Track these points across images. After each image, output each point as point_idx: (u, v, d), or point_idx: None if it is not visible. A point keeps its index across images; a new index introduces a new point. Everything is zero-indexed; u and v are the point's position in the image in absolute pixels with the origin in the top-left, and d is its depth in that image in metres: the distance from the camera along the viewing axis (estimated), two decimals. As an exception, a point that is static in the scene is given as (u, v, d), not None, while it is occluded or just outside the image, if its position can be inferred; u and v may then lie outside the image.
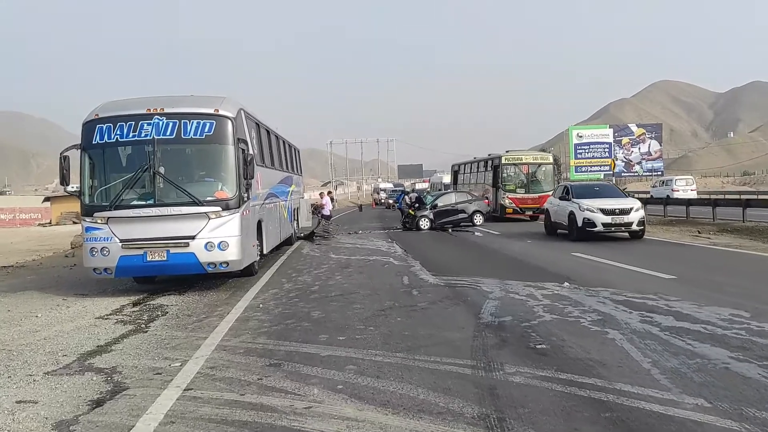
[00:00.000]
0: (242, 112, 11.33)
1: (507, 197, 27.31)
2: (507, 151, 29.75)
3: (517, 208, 27.09)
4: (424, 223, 23.69)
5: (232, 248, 10.19)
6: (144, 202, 10.12)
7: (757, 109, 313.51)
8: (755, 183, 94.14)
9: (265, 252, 12.88)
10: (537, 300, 8.40)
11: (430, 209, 24.03)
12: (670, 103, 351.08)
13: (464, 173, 36.68)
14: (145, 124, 10.17)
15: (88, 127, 10.32)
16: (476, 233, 21.34)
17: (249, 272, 11.56)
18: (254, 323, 7.70)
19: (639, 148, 65.59)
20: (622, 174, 66.09)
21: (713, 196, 35.73)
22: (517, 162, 28.27)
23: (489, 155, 31.69)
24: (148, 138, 10.12)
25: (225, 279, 11.50)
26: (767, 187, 76.32)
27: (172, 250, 9.99)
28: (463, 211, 24.32)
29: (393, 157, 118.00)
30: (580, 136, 64.11)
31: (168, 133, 10.16)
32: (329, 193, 27.48)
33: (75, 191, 10.63)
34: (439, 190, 37.28)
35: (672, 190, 38.97)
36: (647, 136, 67.13)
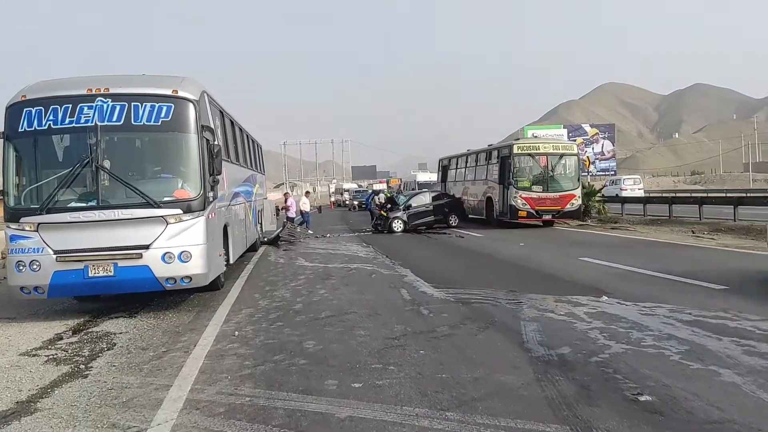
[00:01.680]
0: (206, 95, 9.42)
1: (520, 196, 20.85)
2: (517, 139, 24.74)
3: (532, 211, 20.85)
4: (398, 225, 22.01)
5: (196, 259, 8.29)
6: (84, 204, 8.13)
7: (700, 111, 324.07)
8: (706, 182, 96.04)
9: (231, 261, 10.97)
10: (583, 320, 6.81)
11: (404, 210, 22.36)
12: (616, 105, 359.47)
13: (457, 168, 29.28)
14: (86, 108, 8.20)
15: (14, 110, 8.26)
16: (456, 236, 19.77)
17: (214, 286, 9.65)
18: (232, 361, 5.86)
19: (593, 148, 65.68)
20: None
21: (675, 194, 36.09)
22: (533, 152, 21.72)
23: (489, 145, 25.89)
24: (89, 124, 8.15)
25: (186, 294, 9.58)
26: (718, 186, 77.73)
27: (121, 263, 8.04)
28: (438, 212, 22.74)
29: (348, 158, 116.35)
30: (536, 137, 63.74)
31: (114, 119, 8.21)
32: (307, 193, 25.64)
33: (-5, 191, 8.55)
34: (413, 189, 34.38)
35: (621, 189, 39.99)
36: (600, 136, 67.73)
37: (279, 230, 20.34)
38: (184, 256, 8.18)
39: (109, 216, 8.02)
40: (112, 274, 8.03)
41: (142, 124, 8.27)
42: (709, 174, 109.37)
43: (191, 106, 8.52)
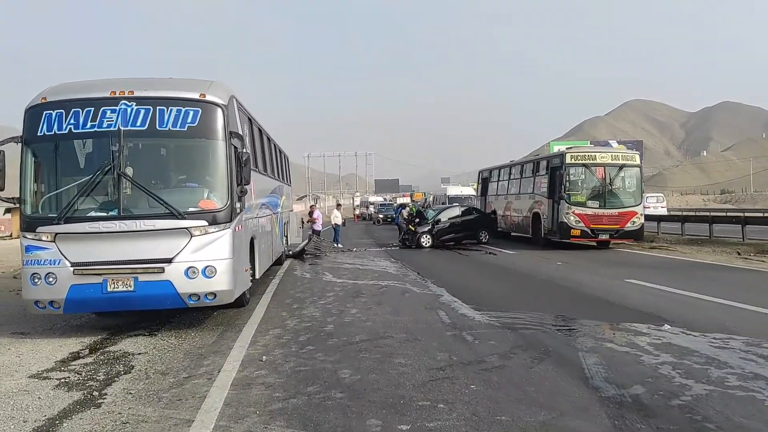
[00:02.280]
0: (234, 100, 8.91)
1: (573, 213, 18.48)
2: (569, 148, 21.79)
3: (586, 229, 18.41)
4: (426, 240, 21.36)
5: (222, 275, 7.73)
6: (105, 214, 7.62)
7: (728, 129, 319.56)
8: (736, 201, 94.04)
9: (257, 277, 10.42)
10: (649, 353, 6.09)
11: (432, 225, 21.69)
12: (642, 122, 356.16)
13: (499, 181, 26.31)
14: (109, 112, 7.72)
15: (33, 113, 7.80)
16: (487, 252, 19.06)
17: (239, 303, 9.06)
18: (260, 391, 5.25)
19: (619, 165, 64.39)
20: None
21: (712, 213, 35.19)
22: (588, 162, 19.09)
23: (536, 155, 24.43)
24: (111, 129, 7.67)
25: (209, 311, 9.02)
26: (749, 205, 75.85)
27: (142, 278, 7.50)
28: (468, 228, 22.06)
29: (371, 171, 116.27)
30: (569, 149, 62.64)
31: (138, 124, 7.71)
32: (338, 206, 25.16)
33: (11, 199, 8.04)
34: (443, 204, 33.32)
35: (644, 207, 39.62)
36: (628, 153, 66.41)
37: (304, 243, 19.80)
38: (208, 272, 7.62)
39: (130, 227, 7.50)
40: (132, 289, 7.50)
41: (167, 129, 7.77)
42: (739, 193, 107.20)
43: (219, 111, 8.01)
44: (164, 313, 8.69)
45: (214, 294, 7.74)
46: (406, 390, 5.14)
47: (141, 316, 8.75)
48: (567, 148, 20.65)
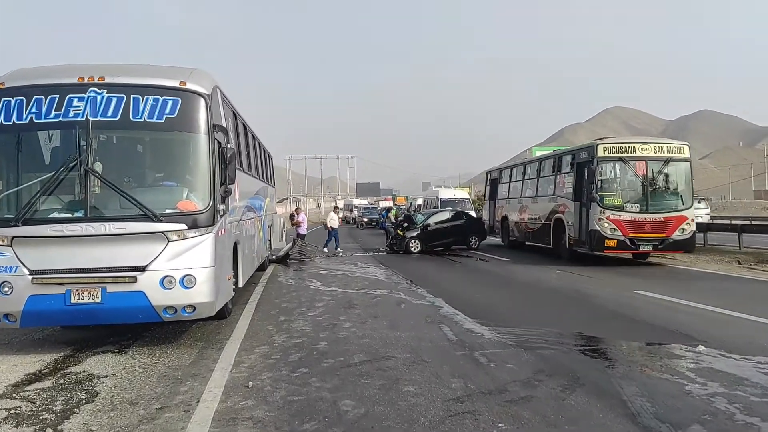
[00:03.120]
0: (218, 90, 8.03)
1: (607, 219, 14.80)
2: (600, 139, 16.14)
3: (625, 239, 14.75)
4: (415, 246, 20.58)
5: (202, 285, 6.85)
6: (69, 215, 6.71)
7: (705, 137, 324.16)
8: (715, 209, 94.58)
9: (240, 285, 9.53)
10: (694, 381, 5.34)
11: (421, 230, 20.91)
12: (621, 129, 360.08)
13: (511, 182, 22.54)
14: (76, 100, 6.83)
15: (-10, 101, 6.88)
16: (478, 258, 18.31)
17: (221, 314, 8.18)
18: (246, 429, 4.40)
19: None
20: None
21: (708, 222, 34.90)
22: (626, 155, 15.27)
23: (554, 150, 20.51)
24: (79, 119, 6.78)
25: (187, 323, 8.13)
26: (728, 213, 76.19)
27: (111, 288, 6.60)
28: (457, 233, 21.32)
29: (353, 174, 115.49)
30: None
31: (109, 114, 6.83)
32: (336, 209, 24.21)
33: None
34: (435, 207, 31.90)
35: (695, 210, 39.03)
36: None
37: (288, 247, 18.89)
38: (187, 281, 6.74)
39: (98, 230, 6.60)
40: (99, 300, 6.59)
41: (142, 120, 6.89)
42: (718, 201, 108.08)
43: (202, 101, 7.15)
44: (137, 326, 7.79)
45: (194, 307, 6.86)
46: (422, 428, 4.33)
47: (110, 329, 7.84)
48: (598, 139, 16.08)
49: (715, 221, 30.44)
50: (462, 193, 39.50)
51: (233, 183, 7.51)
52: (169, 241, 6.73)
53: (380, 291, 11.44)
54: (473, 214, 28.49)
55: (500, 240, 23.08)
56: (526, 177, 21.14)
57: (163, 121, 6.93)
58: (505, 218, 22.32)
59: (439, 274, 14.56)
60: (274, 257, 17.06)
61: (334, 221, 22.27)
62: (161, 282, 6.66)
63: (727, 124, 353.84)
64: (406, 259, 18.63)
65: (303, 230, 20.86)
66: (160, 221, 6.70)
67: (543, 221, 18.54)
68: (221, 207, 7.35)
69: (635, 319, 8.39)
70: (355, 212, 55.73)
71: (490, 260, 17.75)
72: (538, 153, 53.91)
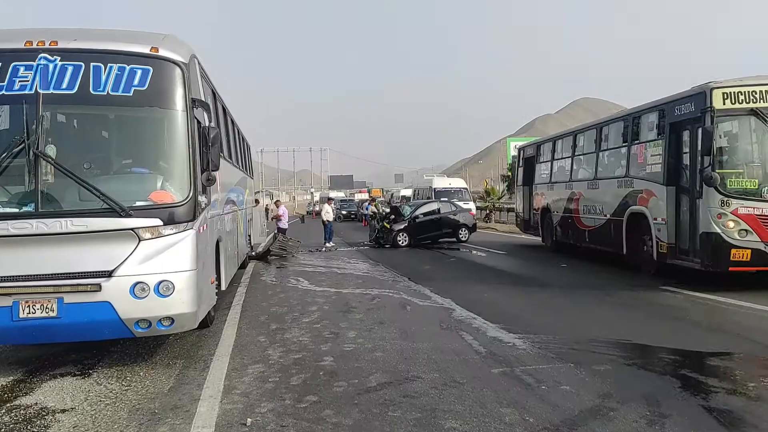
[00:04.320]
0: (196, 60, 6.80)
1: (734, 213, 9.10)
2: (712, 82, 9.52)
3: (764, 247, 8.96)
4: (402, 239, 19.51)
5: (182, 293, 5.65)
6: (16, 210, 5.47)
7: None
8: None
9: (223, 288, 8.33)
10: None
11: (410, 222, 19.81)
12: (590, 119, 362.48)
13: (553, 160, 16.72)
14: (22, 69, 5.60)
15: None
16: (473, 252, 17.29)
17: (203, 323, 6.98)
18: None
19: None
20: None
21: None
22: (763, 106, 9.14)
23: (638, 105, 12.50)
24: (26, 92, 5.54)
25: (163, 335, 6.91)
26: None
27: (69, 298, 5.38)
28: (447, 225, 20.29)
29: (326, 167, 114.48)
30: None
31: (64, 86, 5.60)
32: (329, 200, 23.06)
33: None
34: (428, 198, 29.35)
35: None
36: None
37: (269, 242, 17.65)
38: (163, 289, 5.54)
39: (52, 228, 5.36)
40: (54, 314, 5.36)
41: (105, 94, 5.67)
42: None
43: (178, 71, 5.94)
44: (103, 341, 6.54)
45: (172, 319, 5.66)
46: (489, 490, 3.22)
47: (71, 344, 6.57)
48: (710, 83, 9.60)
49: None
50: (459, 182, 36.30)
51: (217, 169, 6.32)
52: (140, 240, 5.52)
53: (378, 290, 10.32)
54: (471, 205, 27.36)
55: (540, 239, 17.53)
56: (578, 152, 15.08)
57: (130, 94, 5.71)
58: (546, 210, 16.72)
59: (436, 270, 13.47)
60: (254, 254, 15.84)
61: (328, 214, 21.10)
62: (132, 290, 5.45)
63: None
64: (395, 254, 17.52)
65: (284, 224, 19.63)
66: (129, 216, 5.48)
67: (609, 216, 12.69)
68: (203, 199, 6.19)
69: (683, 319, 7.40)
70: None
71: (487, 254, 16.72)
72: (513, 143, 46.82)
